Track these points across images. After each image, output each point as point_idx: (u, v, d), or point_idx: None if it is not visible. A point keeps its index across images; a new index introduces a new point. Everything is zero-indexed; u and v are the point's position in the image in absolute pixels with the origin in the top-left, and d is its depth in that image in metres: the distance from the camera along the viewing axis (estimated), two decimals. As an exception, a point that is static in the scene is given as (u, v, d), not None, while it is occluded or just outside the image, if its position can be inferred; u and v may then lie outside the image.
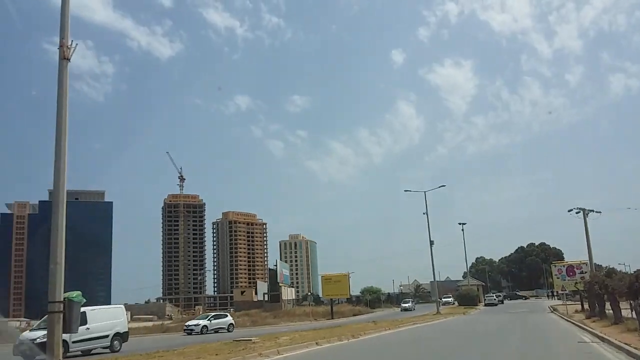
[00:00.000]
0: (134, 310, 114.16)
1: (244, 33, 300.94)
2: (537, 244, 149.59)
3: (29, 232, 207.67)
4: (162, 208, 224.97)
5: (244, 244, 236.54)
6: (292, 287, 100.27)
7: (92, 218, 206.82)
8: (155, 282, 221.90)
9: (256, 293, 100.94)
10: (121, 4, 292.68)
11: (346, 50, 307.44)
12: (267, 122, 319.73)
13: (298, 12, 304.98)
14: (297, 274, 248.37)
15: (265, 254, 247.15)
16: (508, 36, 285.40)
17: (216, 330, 41.97)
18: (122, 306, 30.22)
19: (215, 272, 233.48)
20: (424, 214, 55.49)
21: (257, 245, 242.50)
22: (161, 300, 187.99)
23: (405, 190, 58.07)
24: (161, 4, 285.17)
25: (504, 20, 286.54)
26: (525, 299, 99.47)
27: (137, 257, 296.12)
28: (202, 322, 42.53)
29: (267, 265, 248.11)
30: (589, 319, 31.61)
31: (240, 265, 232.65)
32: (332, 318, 59.99)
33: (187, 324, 44.06)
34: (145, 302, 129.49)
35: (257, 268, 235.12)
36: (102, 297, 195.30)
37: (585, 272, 47.02)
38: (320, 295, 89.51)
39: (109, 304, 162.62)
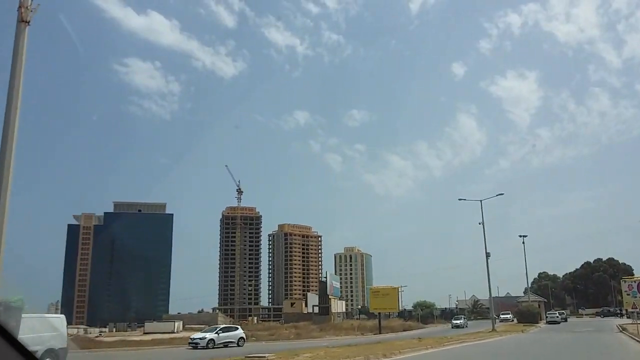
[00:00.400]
0: (186, 320, 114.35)
1: (305, 50, 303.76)
2: (604, 259, 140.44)
3: (94, 243, 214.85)
4: (220, 220, 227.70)
5: (299, 256, 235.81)
6: (343, 299, 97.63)
7: (153, 229, 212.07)
8: (212, 293, 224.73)
9: (306, 305, 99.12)
10: (187, 27, 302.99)
11: (406, 64, 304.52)
12: (325, 137, 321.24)
13: (357, 29, 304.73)
14: (351, 287, 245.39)
15: (320, 267, 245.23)
16: (574, 46, 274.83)
17: (225, 344, 38.50)
18: (62, 316, 23.30)
19: (270, 283, 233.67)
20: (479, 224, 52.06)
21: (311, 257, 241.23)
22: (216, 311, 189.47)
23: (460, 199, 54.63)
24: (225, 25, 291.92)
25: (570, 30, 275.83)
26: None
27: (195, 268, 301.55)
28: (209, 336, 39.00)
29: (321, 277, 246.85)
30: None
31: (295, 277, 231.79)
32: (380, 333, 57.09)
33: (192, 337, 40.71)
34: (198, 312, 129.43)
35: (311, 280, 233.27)
36: (161, 306, 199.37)
37: (660, 289, 42.31)
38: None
39: (167, 312, 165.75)
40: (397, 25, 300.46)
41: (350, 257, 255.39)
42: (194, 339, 38.95)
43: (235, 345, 38.87)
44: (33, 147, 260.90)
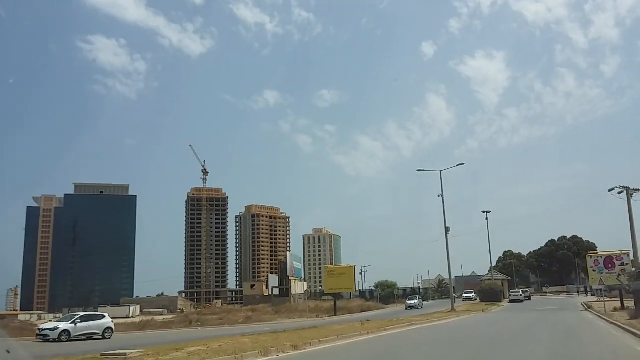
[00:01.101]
0: (144, 304, 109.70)
1: (274, 28, 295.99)
2: (568, 237, 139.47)
3: (54, 226, 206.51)
4: (186, 201, 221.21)
5: (267, 238, 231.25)
6: (304, 281, 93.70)
7: (116, 211, 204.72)
8: (179, 276, 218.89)
9: (267, 287, 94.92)
10: (154, 2, 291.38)
11: (376, 44, 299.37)
12: (295, 117, 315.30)
13: (328, 6, 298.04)
14: (320, 269, 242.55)
15: (288, 248, 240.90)
16: (542, 26, 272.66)
17: (89, 337, 30.91)
18: None
19: (237, 266, 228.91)
20: (438, 196, 48.12)
21: (279, 239, 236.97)
22: (182, 294, 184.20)
23: (419, 170, 50.45)
24: (193, 2, 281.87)
25: (538, 10, 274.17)
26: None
27: (161, 251, 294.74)
28: (63, 326, 30.59)
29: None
30: (635, 319, 24.17)
31: (263, 259, 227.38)
32: (335, 314, 53.16)
33: (41, 326, 32.35)
34: (157, 296, 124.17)
35: (279, 262, 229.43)
36: (126, 289, 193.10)
37: (627, 264, 39.10)
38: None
39: (132, 296, 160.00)
40: (368, 3, 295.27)
41: (319, 239, 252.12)
42: (43, 329, 30.86)
43: (101, 337, 31.58)
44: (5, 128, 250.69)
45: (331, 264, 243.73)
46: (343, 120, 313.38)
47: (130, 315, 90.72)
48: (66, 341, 29.15)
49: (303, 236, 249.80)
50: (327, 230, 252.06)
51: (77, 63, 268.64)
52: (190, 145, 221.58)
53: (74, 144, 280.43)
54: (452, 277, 52.40)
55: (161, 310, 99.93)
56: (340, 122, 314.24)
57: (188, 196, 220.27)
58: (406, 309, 57.87)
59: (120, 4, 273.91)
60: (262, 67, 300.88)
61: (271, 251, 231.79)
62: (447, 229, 47.14)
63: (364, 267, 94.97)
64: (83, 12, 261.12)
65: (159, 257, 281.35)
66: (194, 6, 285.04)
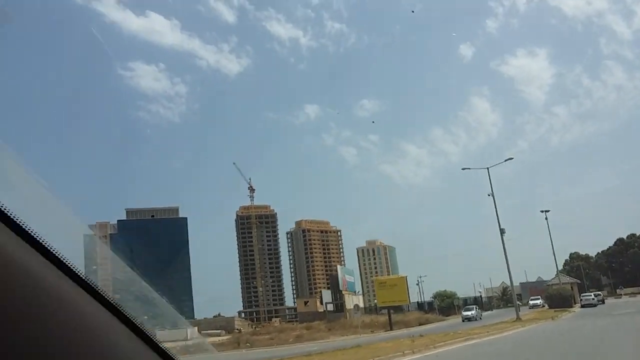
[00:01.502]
0: (202, 325, 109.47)
1: (308, 42, 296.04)
2: (638, 234, 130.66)
3: (111, 251, 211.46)
4: (235, 220, 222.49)
5: (319, 252, 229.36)
6: (359, 294, 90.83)
7: (168, 234, 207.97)
8: (236, 295, 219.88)
9: (321, 302, 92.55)
10: (188, 25, 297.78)
11: (412, 49, 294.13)
12: (338, 129, 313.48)
13: (360, 16, 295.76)
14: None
15: (342, 262, 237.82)
16: (583, 20, 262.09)
17: None
18: None
19: (293, 282, 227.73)
20: (489, 195, 44.74)
21: (332, 252, 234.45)
22: (242, 314, 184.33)
23: (464, 169, 47.39)
24: (226, 21, 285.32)
25: (577, 4, 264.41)
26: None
27: (216, 271, 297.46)
28: None
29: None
30: None
31: (317, 273, 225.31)
32: (391, 329, 50.22)
33: None
34: (214, 317, 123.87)
35: (333, 276, 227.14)
36: (186, 311, 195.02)
37: None
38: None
39: (193, 317, 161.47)
40: (400, 9, 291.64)
41: (373, 251, 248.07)
42: None
43: None
44: (43, 159, 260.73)
45: (388, 275, 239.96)
46: (386, 128, 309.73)
47: (189, 338, 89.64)
48: None
49: (357, 249, 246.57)
50: (380, 242, 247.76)
51: (121, 90, 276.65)
52: (234, 163, 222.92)
53: (123, 171, 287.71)
54: (515, 283, 48.75)
55: (219, 331, 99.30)
56: (383, 130, 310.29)
57: (237, 214, 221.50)
58: (463, 321, 53.80)
59: (157, 30, 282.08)
60: (300, 81, 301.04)
61: (325, 265, 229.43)
62: (502, 231, 43.69)
63: (420, 277, 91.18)
64: (122, 40, 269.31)
65: (215, 277, 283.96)
66: (227, 25, 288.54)
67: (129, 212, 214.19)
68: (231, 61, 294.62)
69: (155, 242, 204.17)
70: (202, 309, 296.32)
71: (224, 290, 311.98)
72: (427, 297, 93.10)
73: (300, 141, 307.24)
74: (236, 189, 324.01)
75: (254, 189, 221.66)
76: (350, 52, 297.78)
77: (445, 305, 72.36)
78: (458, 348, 20.80)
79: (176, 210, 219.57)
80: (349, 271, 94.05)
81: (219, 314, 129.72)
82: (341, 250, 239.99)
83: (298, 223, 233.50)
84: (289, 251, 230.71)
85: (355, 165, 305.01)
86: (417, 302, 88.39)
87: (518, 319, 42.33)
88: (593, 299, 62.20)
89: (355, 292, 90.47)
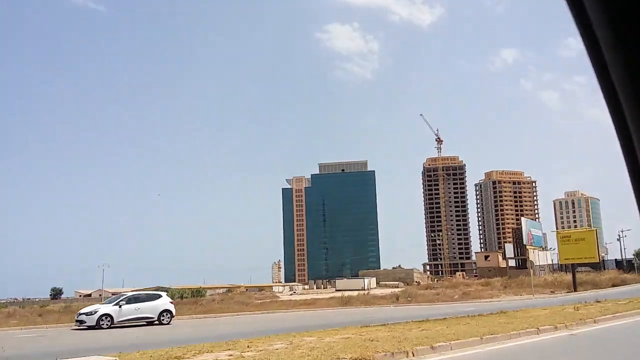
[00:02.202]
0: (382, 276, 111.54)
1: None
2: None
3: (306, 204, 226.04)
4: (422, 172, 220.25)
5: (511, 205, 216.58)
6: (548, 250, 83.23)
7: (357, 187, 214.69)
8: (421, 248, 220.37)
9: (504, 257, 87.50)
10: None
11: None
12: (538, 73, 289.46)
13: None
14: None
15: (537, 215, 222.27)
16: None
17: (138, 321, 26.57)
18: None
19: (480, 236, 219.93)
20: None
21: (525, 205, 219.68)
22: (427, 267, 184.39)
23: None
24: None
25: None
26: None
27: (402, 223, 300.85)
28: (103, 309, 25.74)
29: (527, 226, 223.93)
30: None
31: (507, 228, 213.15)
32: (575, 290, 44.85)
33: (80, 311, 26.92)
34: (393, 268, 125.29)
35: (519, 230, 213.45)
36: (373, 260, 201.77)
37: None
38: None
39: (379, 267, 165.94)
40: None
41: (573, 203, 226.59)
42: (80, 314, 26.13)
43: (156, 322, 26.83)
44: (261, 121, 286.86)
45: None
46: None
47: (366, 288, 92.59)
48: (107, 328, 24.66)
49: (553, 201, 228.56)
50: (582, 193, 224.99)
51: (318, 53, 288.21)
52: (421, 115, 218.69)
53: (318, 128, 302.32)
54: None
55: (397, 282, 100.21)
56: (590, 70, 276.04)
57: (424, 166, 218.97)
58: None
59: None
60: (497, 25, 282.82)
61: (517, 219, 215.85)
62: None
63: (622, 231, 79.72)
64: (321, 3, 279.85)
65: (401, 229, 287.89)
66: None
67: (321, 166, 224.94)
68: (424, 12, 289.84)
69: (345, 194, 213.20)
70: (389, 259, 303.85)
71: (410, 242, 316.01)
72: (630, 254, 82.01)
73: (495, 89, 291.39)
74: (424, 141, 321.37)
75: (442, 140, 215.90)
76: None
77: (649, 264, 62.52)
78: (631, 323, 16.94)
79: (365, 164, 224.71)
80: (535, 224, 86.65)
81: (399, 266, 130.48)
82: (536, 202, 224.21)
83: (488, 174, 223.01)
84: (477, 203, 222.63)
85: (558, 111, 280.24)
86: (615, 259, 78.34)
87: None
88: None
89: (542, 247, 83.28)
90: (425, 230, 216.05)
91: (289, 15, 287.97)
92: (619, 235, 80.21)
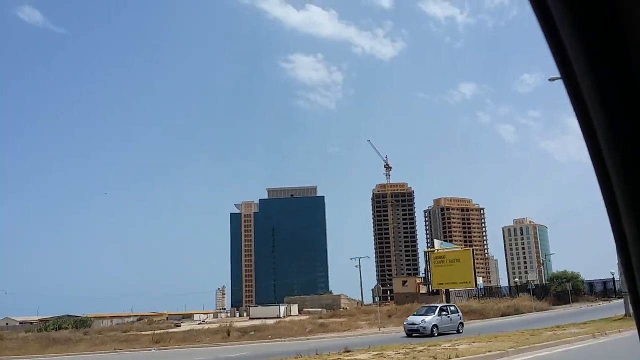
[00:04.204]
0: (308, 303, 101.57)
1: (466, 19, 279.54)
2: None
3: (255, 228, 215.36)
4: (372, 198, 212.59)
5: (459, 232, 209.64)
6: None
7: (307, 212, 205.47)
8: (370, 273, 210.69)
9: (424, 283, 78.58)
10: (345, 14, 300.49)
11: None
12: (495, 106, 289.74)
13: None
14: (525, 263, 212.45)
15: (485, 242, 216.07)
16: None
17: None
18: None
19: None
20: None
21: (474, 232, 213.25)
22: (375, 292, 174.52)
23: None
24: (381, 6, 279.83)
25: None
26: None
27: (352, 248, 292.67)
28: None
29: (487, 253, 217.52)
30: None
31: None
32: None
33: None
34: (320, 294, 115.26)
35: (475, 256, 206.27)
36: (321, 285, 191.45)
37: None
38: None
39: (328, 291, 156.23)
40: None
41: (521, 230, 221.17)
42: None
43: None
44: (206, 142, 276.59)
45: (538, 257, 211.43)
46: (549, 103, 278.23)
47: (282, 316, 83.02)
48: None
49: (502, 228, 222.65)
50: (530, 221, 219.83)
51: (282, 81, 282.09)
52: (368, 141, 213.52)
53: (261, 151, 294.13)
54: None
55: (320, 310, 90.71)
56: (545, 105, 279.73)
57: (373, 193, 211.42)
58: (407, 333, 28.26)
59: (316, 22, 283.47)
60: (456, 60, 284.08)
61: (465, 245, 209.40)
62: None
63: (546, 255, 71.47)
64: (284, 35, 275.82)
65: (351, 254, 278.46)
66: (382, 11, 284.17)
67: (270, 191, 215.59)
68: (386, 45, 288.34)
69: (294, 219, 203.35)
70: (338, 284, 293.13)
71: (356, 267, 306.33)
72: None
73: (454, 121, 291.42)
74: (376, 168, 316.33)
75: (390, 167, 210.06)
76: (512, 25, 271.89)
77: (563, 289, 54.04)
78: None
79: (314, 189, 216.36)
80: (451, 246, 78.64)
81: (330, 291, 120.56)
82: (484, 229, 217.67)
83: (437, 201, 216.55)
84: (426, 230, 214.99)
85: (513, 143, 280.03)
86: (534, 282, 70.39)
87: (627, 315, 26.03)
88: None
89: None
90: (375, 255, 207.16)
91: (254, 43, 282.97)
92: (542, 260, 72.42)
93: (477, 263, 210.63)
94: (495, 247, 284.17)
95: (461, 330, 27.64)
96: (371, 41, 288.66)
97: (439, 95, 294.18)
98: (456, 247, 39.94)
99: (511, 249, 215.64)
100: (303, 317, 67.98)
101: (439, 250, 38.77)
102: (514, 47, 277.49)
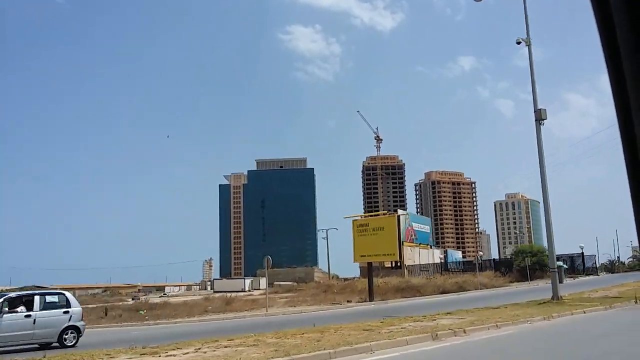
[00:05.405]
0: (281, 276, 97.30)
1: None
2: None
3: (244, 200, 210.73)
4: (362, 171, 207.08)
5: (450, 206, 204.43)
6: (430, 247, 69.85)
7: (296, 184, 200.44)
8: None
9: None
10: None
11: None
12: (494, 81, 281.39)
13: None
14: (516, 237, 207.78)
15: (476, 216, 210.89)
16: None
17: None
18: None
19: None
20: None
21: (465, 206, 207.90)
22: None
23: None
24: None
25: None
26: None
27: (340, 221, 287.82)
28: None
29: (477, 227, 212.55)
30: None
31: (447, 228, 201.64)
32: (372, 299, 30.77)
33: None
34: (293, 267, 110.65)
35: (465, 231, 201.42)
36: (310, 257, 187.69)
37: None
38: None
39: (317, 264, 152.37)
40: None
41: (513, 205, 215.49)
42: None
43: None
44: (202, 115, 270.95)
45: (530, 233, 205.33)
46: (548, 78, 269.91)
47: (246, 289, 79.51)
48: None
49: (494, 202, 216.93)
50: (522, 196, 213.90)
51: (279, 53, 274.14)
52: (358, 111, 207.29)
53: (252, 123, 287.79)
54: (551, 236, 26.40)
55: (291, 283, 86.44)
56: (545, 80, 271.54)
57: (363, 165, 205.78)
58: None
59: None
60: (455, 33, 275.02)
61: (456, 219, 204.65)
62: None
63: (519, 230, 66.35)
64: (283, 5, 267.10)
65: (340, 226, 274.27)
66: None
67: (259, 162, 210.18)
68: (385, 17, 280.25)
69: (283, 191, 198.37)
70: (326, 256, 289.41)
71: (348, 239, 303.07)
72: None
73: (452, 95, 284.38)
74: (367, 140, 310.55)
75: (381, 139, 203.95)
76: None
77: (531, 263, 48.84)
78: None
79: (304, 161, 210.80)
80: (419, 219, 73.36)
81: (309, 265, 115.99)
82: (475, 203, 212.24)
83: (428, 174, 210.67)
84: (416, 203, 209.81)
85: (511, 118, 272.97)
86: (494, 259, 65.26)
87: (554, 298, 20.86)
88: None
89: (429, 245, 69.83)
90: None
91: (252, 14, 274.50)
92: (515, 233, 67.39)
93: (467, 237, 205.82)
94: (488, 222, 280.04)
95: (71, 343, 16.32)
96: (371, 13, 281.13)
97: (437, 69, 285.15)
98: (383, 213, 34.31)
99: (502, 224, 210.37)
100: (258, 292, 64.65)
101: (363, 217, 33.24)
102: (515, 21, 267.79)
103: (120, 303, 45.67)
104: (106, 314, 27.57)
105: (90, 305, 37.22)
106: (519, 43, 24.90)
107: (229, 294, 48.21)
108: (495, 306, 19.37)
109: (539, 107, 24.14)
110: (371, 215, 33.60)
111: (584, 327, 13.79)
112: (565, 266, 44.43)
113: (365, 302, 30.59)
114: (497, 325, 13.09)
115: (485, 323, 13.34)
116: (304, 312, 25.66)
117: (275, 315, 24.54)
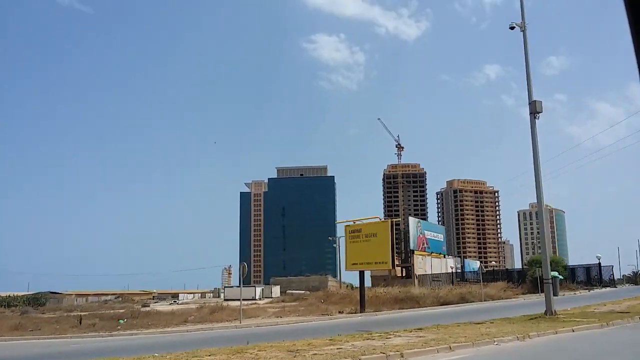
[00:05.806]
0: (293, 284, 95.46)
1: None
2: None
3: (264, 208, 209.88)
4: (382, 179, 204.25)
5: (472, 214, 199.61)
6: (443, 256, 66.97)
7: (317, 192, 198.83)
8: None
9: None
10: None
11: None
12: (520, 90, 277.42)
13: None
14: (534, 247, 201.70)
15: (499, 225, 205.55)
16: None
17: None
18: None
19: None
20: None
21: (487, 215, 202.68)
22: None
23: None
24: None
25: None
26: None
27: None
28: None
29: (500, 237, 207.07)
30: None
31: (469, 237, 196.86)
32: (363, 310, 28.62)
33: None
34: (305, 275, 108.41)
35: (488, 240, 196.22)
36: (329, 265, 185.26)
37: None
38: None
39: (337, 273, 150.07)
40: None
41: (537, 214, 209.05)
42: None
43: None
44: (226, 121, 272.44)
45: (555, 243, 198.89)
46: (575, 87, 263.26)
47: (257, 298, 77.65)
48: None
49: (517, 212, 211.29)
50: (546, 205, 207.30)
51: (303, 62, 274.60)
52: (379, 119, 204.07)
53: (274, 132, 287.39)
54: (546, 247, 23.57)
55: (303, 292, 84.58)
56: (572, 89, 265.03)
57: (384, 173, 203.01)
58: None
59: (339, 2, 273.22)
60: (481, 41, 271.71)
61: (478, 228, 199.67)
62: None
63: (534, 240, 63.32)
64: (307, 15, 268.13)
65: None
66: None
67: (279, 170, 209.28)
68: (410, 26, 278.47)
69: (304, 199, 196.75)
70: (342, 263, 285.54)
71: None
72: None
73: (478, 103, 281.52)
74: (388, 149, 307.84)
75: (402, 147, 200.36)
76: (541, 5, 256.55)
77: (535, 275, 45.91)
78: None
79: (324, 169, 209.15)
80: (434, 227, 70.69)
81: (322, 273, 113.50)
82: (498, 213, 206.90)
83: (449, 182, 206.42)
84: (437, 212, 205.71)
85: (538, 126, 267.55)
86: (507, 269, 62.18)
87: (547, 313, 18.54)
88: None
89: (442, 254, 67.07)
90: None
91: (276, 23, 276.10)
92: (533, 242, 64.19)
93: (489, 246, 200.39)
94: (512, 232, 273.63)
95: None
96: (395, 21, 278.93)
97: (462, 78, 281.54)
98: (376, 219, 32.06)
99: (526, 234, 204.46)
100: (263, 301, 61.26)
101: (357, 223, 31.17)
102: (541, 29, 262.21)
103: (122, 310, 44.51)
104: (80, 323, 26.15)
105: (84, 312, 36.14)
106: (512, 28, 22.86)
107: (226, 303, 46.86)
108: (479, 321, 17.19)
109: (534, 99, 21.87)
110: (364, 220, 31.24)
111: (560, 351, 11.60)
112: (561, 277, 41.34)
113: (355, 313, 28.49)
114: (450, 347, 11.03)
115: (440, 344, 11.31)
116: (279, 324, 23.79)
117: (246, 328, 22.70)
